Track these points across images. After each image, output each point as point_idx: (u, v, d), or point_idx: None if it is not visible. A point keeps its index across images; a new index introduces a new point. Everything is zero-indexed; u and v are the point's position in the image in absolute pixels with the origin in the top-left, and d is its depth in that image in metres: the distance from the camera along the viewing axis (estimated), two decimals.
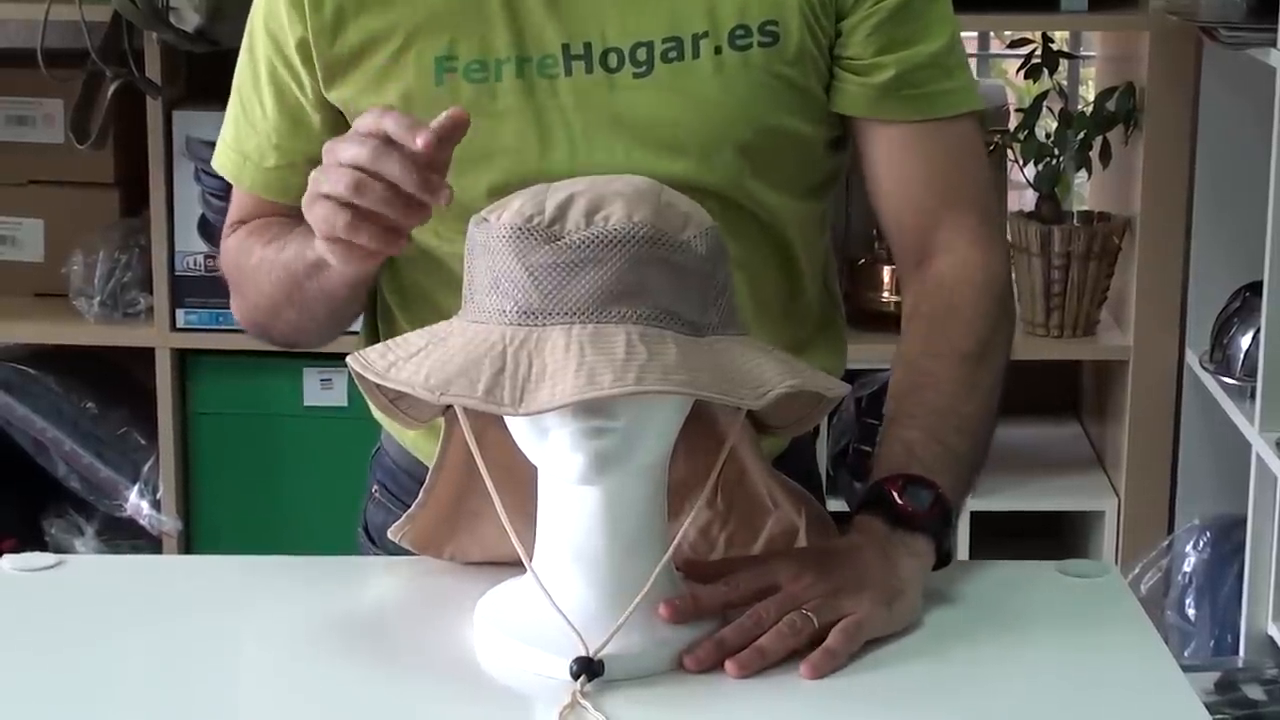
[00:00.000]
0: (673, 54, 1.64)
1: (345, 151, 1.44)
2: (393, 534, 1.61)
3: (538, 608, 1.46)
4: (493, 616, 1.49)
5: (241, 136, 1.74)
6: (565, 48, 1.63)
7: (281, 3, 1.67)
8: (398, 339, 1.48)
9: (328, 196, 1.45)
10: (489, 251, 1.44)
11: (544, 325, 1.41)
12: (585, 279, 1.41)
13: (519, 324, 1.42)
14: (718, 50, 1.64)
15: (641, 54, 1.63)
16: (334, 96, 1.68)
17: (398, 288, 1.75)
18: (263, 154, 1.73)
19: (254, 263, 1.72)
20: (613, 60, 1.63)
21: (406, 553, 1.64)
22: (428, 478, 1.58)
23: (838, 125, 1.71)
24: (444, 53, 1.63)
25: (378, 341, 1.74)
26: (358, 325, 1.85)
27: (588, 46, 1.63)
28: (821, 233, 1.78)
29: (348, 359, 1.47)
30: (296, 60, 1.68)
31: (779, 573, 1.49)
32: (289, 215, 1.68)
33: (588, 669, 1.41)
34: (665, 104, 1.64)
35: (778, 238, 1.71)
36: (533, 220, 1.43)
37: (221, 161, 1.77)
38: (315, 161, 1.50)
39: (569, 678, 1.41)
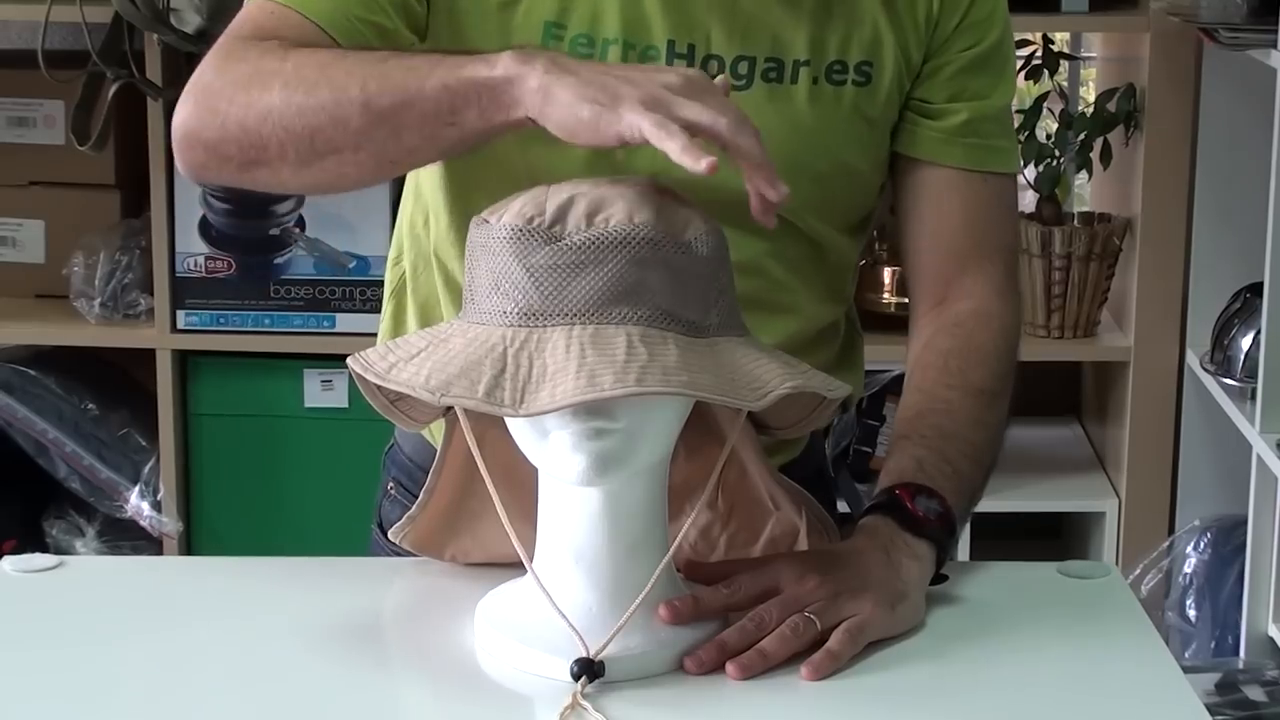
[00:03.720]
0: (772, 74, 1.65)
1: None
2: (393, 535, 1.61)
3: (538, 609, 1.46)
4: (493, 617, 1.49)
5: None
6: (671, 44, 1.63)
7: None
8: (398, 340, 1.48)
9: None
10: (489, 252, 1.44)
11: (544, 326, 1.41)
12: (586, 280, 1.41)
13: (520, 325, 1.42)
14: (815, 80, 1.65)
15: (743, 68, 1.64)
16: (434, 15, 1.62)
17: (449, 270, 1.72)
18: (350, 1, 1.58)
19: (319, 60, 1.53)
20: (714, 68, 1.64)
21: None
22: (428, 479, 1.58)
23: (886, 173, 1.74)
24: (554, 19, 1.63)
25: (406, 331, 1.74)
26: (373, 327, 1.86)
27: (691, 48, 1.64)
28: (855, 269, 1.81)
29: (348, 360, 1.47)
30: None
31: (781, 575, 1.49)
32: None
33: (588, 670, 1.41)
34: (760, 121, 1.63)
35: (826, 268, 1.73)
36: (533, 221, 1.43)
37: None
38: (387, 32, 1.50)
39: (569, 679, 1.41)
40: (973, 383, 1.68)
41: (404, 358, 1.44)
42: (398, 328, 1.80)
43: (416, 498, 1.73)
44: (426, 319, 1.75)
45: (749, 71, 1.64)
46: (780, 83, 1.65)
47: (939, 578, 1.57)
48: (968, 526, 3.24)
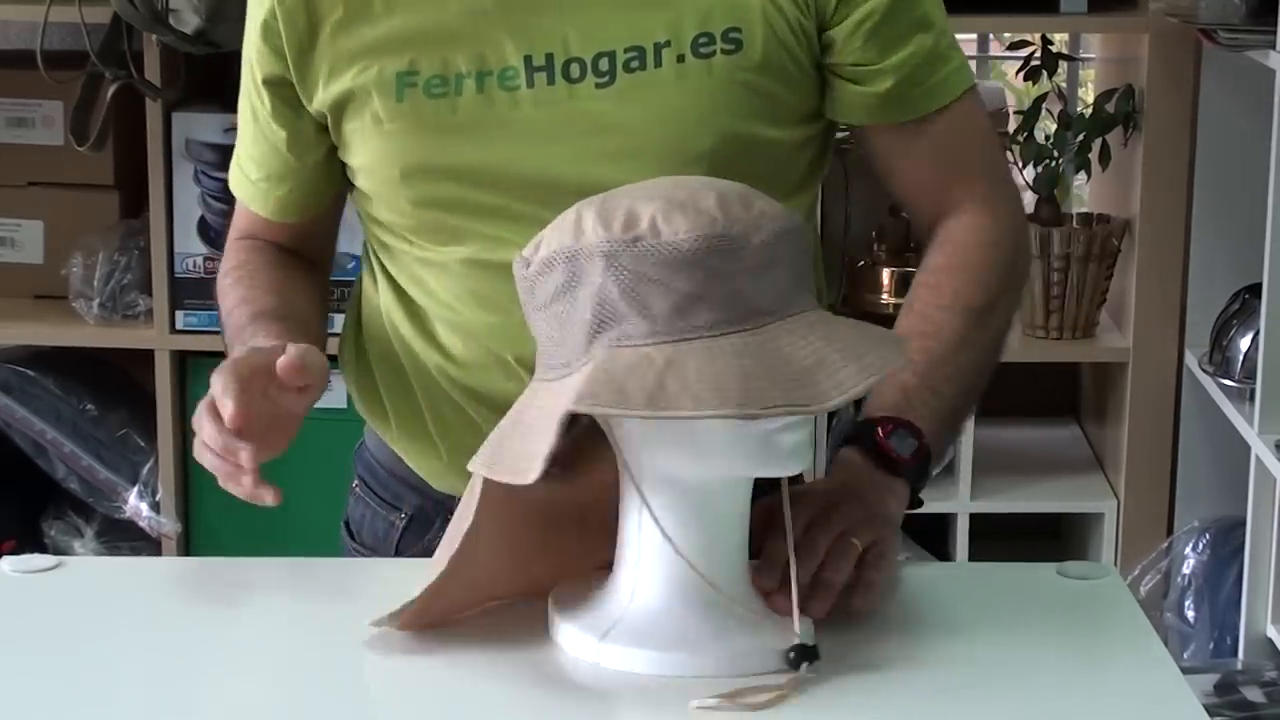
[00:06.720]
0: (635, 63, 1.64)
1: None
2: (375, 624, 1.53)
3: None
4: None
5: (239, 152, 1.81)
6: (527, 59, 1.64)
7: (255, 32, 1.71)
8: (613, 369, 1.39)
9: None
10: (670, 269, 1.40)
11: (773, 323, 1.41)
12: (774, 276, 1.42)
13: (739, 330, 1.40)
14: (680, 59, 1.64)
15: (604, 64, 1.64)
16: (314, 109, 1.72)
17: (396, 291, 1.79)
18: (247, 168, 1.80)
19: (224, 313, 1.80)
20: (575, 71, 1.64)
21: (384, 552, 1.65)
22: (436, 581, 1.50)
23: (810, 126, 1.72)
24: (405, 69, 1.65)
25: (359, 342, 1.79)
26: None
27: (549, 58, 1.64)
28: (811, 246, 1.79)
29: (579, 406, 1.37)
30: (263, 88, 1.73)
31: (808, 516, 1.52)
32: (281, 231, 1.82)
33: (805, 655, 1.43)
34: (627, 113, 1.64)
35: None
36: (717, 226, 1.41)
37: (230, 173, 1.85)
38: (298, 177, 1.65)
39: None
40: (963, 300, 1.69)
41: (674, 389, 1.37)
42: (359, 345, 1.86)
43: (378, 496, 1.80)
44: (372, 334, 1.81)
45: (610, 67, 1.64)
46: (644, 69, 1.64)
47: (915, 501, 1.61)
48: (967, 527, 3.28)
